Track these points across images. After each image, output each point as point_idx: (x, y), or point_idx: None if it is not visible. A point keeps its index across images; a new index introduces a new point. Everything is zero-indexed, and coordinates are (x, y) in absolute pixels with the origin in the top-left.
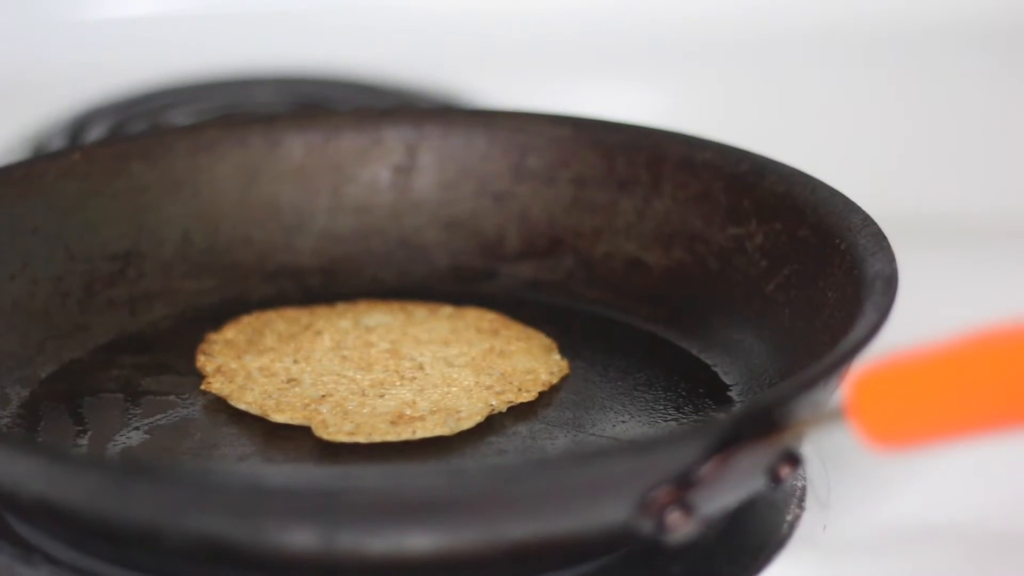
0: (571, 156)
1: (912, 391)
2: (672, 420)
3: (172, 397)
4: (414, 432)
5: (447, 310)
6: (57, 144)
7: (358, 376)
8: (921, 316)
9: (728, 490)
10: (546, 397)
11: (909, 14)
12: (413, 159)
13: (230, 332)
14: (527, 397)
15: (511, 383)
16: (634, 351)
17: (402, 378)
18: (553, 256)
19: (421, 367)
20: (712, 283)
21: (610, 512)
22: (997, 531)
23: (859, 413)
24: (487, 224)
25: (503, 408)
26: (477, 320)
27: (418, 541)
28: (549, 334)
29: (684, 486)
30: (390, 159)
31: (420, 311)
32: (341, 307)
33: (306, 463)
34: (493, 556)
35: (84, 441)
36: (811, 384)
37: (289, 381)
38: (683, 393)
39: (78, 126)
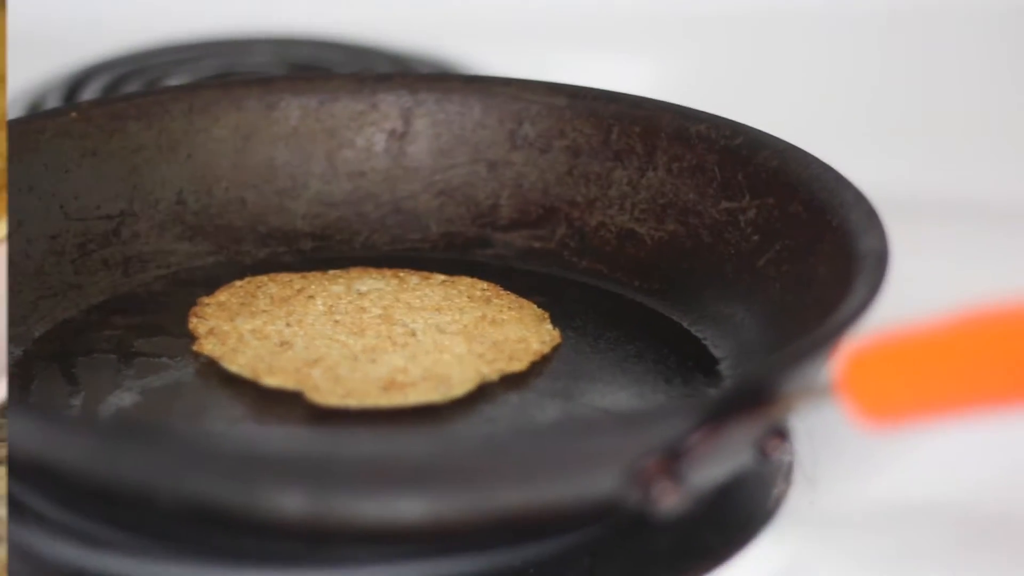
0: (566, 125)
1: (902, 369)
2: (661, 392)
3: (164, 359)
4: (405, 398)
5: (440, 277)
6: (53, 103)
7: (350, 341)
8: (913, 294)
9: (716, 463)
10: (537, 367)
11: None
12: (408, 125)
13: (223, 295)
14: (518, 366)
15: (502, 352)
16: (625, 322)
17: (394, 344)
18: (546, 225)
19: (413, 333)
20: (704, 256)
21: (598, 482)
22: (984, 509)
23: (848, 389)
24: (481, 192)
25: (494, 377)
26: (470, 288)
27: (407, 506)
28: (540, 303)
29: (672, 458)
30: (385, 124)
31: (413, 278)
32: (334, 272)
33: (298, 427)
34: (481, 523)
35: (76, 402)
36: (800, 358)
37: (281, 344)
38: (673, 365)
39: (74, 85)
